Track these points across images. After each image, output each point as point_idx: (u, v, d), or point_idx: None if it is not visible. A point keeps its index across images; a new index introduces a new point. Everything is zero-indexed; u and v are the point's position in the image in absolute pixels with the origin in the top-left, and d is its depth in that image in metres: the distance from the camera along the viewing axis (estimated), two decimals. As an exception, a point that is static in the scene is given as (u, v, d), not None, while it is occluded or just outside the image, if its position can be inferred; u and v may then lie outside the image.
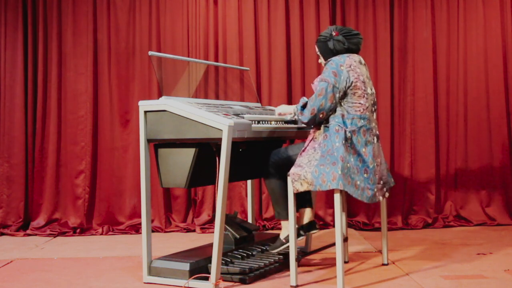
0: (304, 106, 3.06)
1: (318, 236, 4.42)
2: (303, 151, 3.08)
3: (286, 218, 3.23)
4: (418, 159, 4.92)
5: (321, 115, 3.01)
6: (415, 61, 4.95)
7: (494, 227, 4.78)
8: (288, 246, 3.24)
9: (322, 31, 3.37)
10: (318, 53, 3.24)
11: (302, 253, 3.36)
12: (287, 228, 3.27)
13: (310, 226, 3.31)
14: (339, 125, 2.98)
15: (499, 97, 4.94)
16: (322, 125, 3.06)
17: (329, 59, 3.10)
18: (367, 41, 4.88)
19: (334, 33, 3.14)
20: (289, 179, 3.01)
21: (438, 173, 4.94)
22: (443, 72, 4.98)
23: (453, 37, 4.98)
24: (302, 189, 2.97)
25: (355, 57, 3.12)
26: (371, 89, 3.15)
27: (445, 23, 4.98)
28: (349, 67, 3.03)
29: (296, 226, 3.18)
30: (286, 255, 3.38)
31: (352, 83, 3.00)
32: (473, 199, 4.95)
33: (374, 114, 3.17)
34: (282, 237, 3.32)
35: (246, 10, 4.95)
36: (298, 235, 3.27)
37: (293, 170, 3.01)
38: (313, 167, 2.94)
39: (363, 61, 3.18)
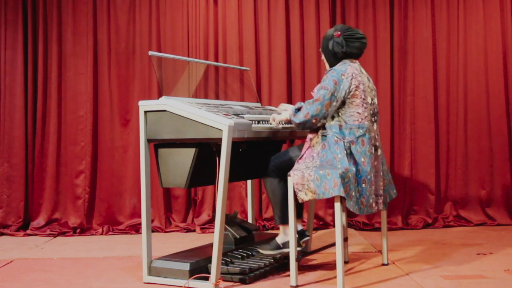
0: (298, 109, 3.07)
1: (318, 236, 4.42)
2: (300, 158, 3.07)
3: (287, 222, 3.19)
4: (418, 159, 4.92)
5: (314, 121, 3.00)
6: (415, 61, 4.95)
7: (494, 227, 4.78)
8: (284, 253, 3.22)
9: (323, 30, 3.35)
10: (321, 49, 3.25)
11: (302, 253, 3.35)
12: (286, 233, 3.24)
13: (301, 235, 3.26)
14: (337, 136, 2.98)
15: (499, 97, 4.94)
16: (320, 134, 3.05)
17: (330, 68, 3.09)
18: (367, 41, 4.86)
19: (335, 34, 3.11)
20: (289, 179, 3.00)
21: (438, 173, 4.94)
22: (443, 72, 4.97)
23: (453, 37, 4.98)
24: (306, 198, 2.96)
25: (356, 65, 3.11)
26: (372, 100, 3.12)
27: (445, 23, 4.98)
28: (350, 76, 3.01)
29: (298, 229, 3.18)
30: (280, 259, 3.35)
31: (351, 92, 3.00)
32: (473, 199, 4.94)
33: (375, 124, 3.14)
34: (280, 241, 3.26)
35: (246, 10, 4.94)
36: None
37: (294, 179, 2.98)
38: (314, 175, 2.92)
39: (363, 71, 3.17)
